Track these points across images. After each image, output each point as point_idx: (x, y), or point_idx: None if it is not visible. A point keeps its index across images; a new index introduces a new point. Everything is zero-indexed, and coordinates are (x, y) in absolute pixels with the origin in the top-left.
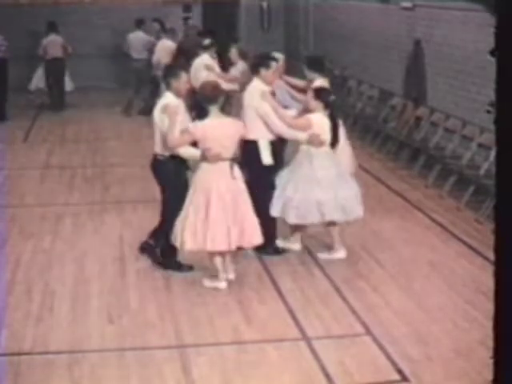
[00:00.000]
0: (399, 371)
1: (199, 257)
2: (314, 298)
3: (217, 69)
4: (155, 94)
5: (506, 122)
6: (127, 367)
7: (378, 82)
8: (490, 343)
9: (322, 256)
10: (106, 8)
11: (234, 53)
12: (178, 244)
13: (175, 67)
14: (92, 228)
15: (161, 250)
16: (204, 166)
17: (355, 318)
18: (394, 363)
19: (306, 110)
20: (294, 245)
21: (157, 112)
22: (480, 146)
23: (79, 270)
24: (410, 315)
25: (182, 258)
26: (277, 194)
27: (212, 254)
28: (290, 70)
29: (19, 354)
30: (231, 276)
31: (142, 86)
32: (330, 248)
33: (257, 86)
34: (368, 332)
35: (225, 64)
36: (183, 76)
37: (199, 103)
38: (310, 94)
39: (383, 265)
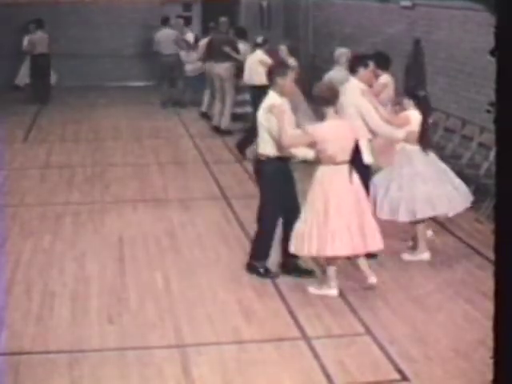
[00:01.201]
0: (399, 371)
1: (207, 260)
2: (314, 298)
3: None
4: (185, 89)
5: (506, 121)
6: (127, 367)
7: None
8: (490, 343)
9: (406, 257)
10: (106, 8)
11: (284, 50)
12: (294, 251)
13: (281, 65)
14: (92, 228)
15: (282, 262)
16: (322, 168)
17: (355, 318)
18: (393, 363)
19: (398, 109)
20: (424, 254)
21: (261, 112)
22: (480, 145)
23: (79, 269)
24: (410, 315)
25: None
26: (380, 196)
27: (329, 261)
28: None
29: (19, 353)
30: (373, 280)
31: (177, 79)
32: (414, 248)
33: (355, 84)
34: (368, 332)
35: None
36: (290, 74)
37: None
38: (377, 90)
39: (383, 265)
